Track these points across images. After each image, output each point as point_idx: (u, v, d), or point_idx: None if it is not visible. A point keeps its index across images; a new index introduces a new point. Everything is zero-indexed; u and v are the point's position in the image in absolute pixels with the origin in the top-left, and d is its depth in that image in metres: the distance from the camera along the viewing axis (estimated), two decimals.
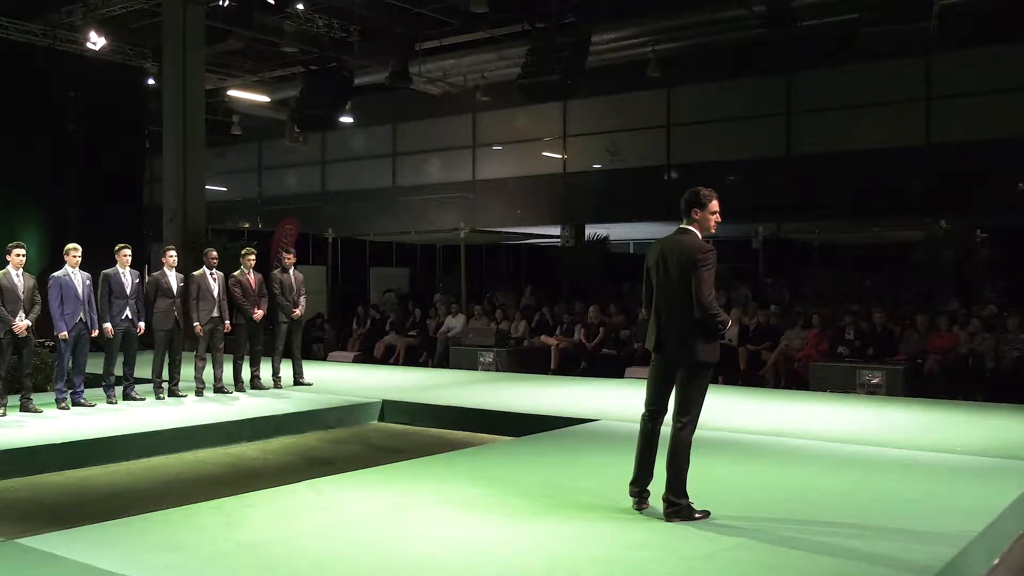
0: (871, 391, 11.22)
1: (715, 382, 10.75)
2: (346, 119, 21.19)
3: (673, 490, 5.12)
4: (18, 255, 8.92)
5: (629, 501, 5.39)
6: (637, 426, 5.43)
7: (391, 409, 10.06)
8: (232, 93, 21.38)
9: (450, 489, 5.94)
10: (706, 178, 18.36)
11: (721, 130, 19.46)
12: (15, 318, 8.78)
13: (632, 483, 5.38)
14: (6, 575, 4.24)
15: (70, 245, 9.38)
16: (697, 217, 5.27)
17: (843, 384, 11.50)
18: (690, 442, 5.14)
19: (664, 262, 5.20)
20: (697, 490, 5.22)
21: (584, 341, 14.49)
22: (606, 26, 16.37)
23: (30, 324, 8.92)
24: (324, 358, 16.23)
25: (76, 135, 17.28)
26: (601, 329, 14.46)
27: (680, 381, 5.16)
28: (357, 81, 18.98)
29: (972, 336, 12.00)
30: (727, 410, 9.13)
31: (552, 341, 14.79)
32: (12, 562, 4.42)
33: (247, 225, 23.36)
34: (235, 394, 10.58)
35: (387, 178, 24.64)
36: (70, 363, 9.38)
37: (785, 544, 4.70)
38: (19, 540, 4.79)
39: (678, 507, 5.11)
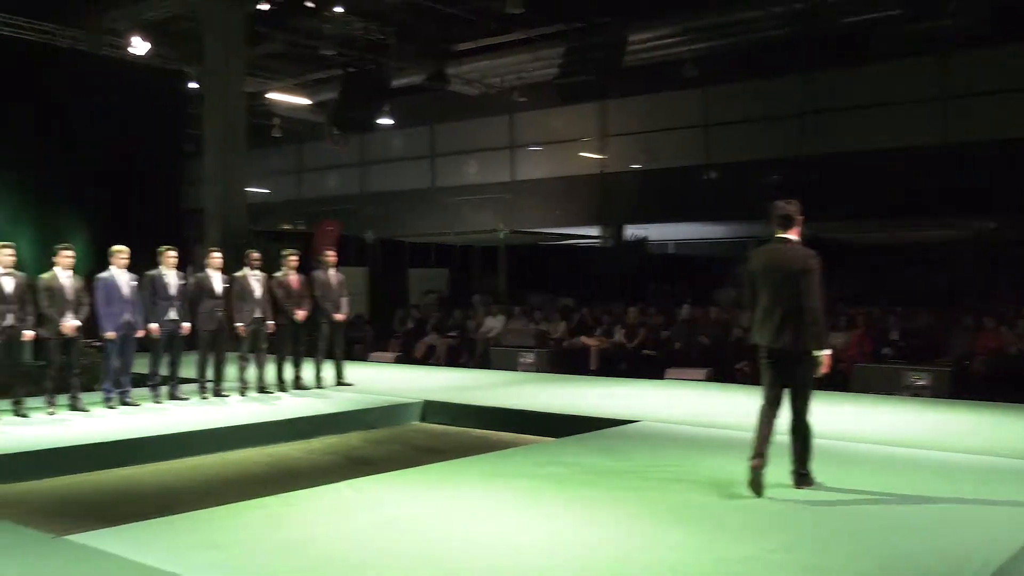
0: (916, 393, 11.06)
1: (751, 384, 10.69)
2: (384, 121, 21.31)
3: (803, 463, 5.80)
4: (67, 256, 9.10)
5: (672, 501, 5.38)
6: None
7: (432, 409, 10.10)
8: (272, 96, 21.59)
9: (491, 489, 5.95)
10: (744, 178, 18.34)
11: (759, 128, 19.32)
12: (64, 319, 8.94)
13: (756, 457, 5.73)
14: (56, 571, 4.32)
15: (118, 247, 9.54)
16: (798, 227, 5.88)
17: (887, 386, 11.34)
18: (810, 421, 5.80)
19: (779, 268, 5.80)
20: (741, 493, 5.18)
21: (624, 342, 14.44)
22: (642, 26, 16.31)
23: (79, 324, 9.08)
24: (365, 359, 16.32)
25: (118, 139, 17.53)
26: (641, 330, 14.41)
27: (794, 371, 5.76)
28: (395, 83, 19.09)
29: (1021, 337, 11.79)
30: None
31: (592, 342, 14.76)
32: (61, 558, 4.51)
33: (289, 226, 23.59)
34: (277, 394, 10.68)
35: (426, 179, 24.77)
36: (117, 363, 9.54)
37: (826, 547, 4.65)
38: (68, 537, 4.88)
39: (805, 474, 5.81)
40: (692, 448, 7.34)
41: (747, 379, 11.80)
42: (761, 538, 4.80)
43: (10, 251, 8.78)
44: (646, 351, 14.20)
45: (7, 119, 15.94)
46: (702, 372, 12.37)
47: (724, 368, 12.57)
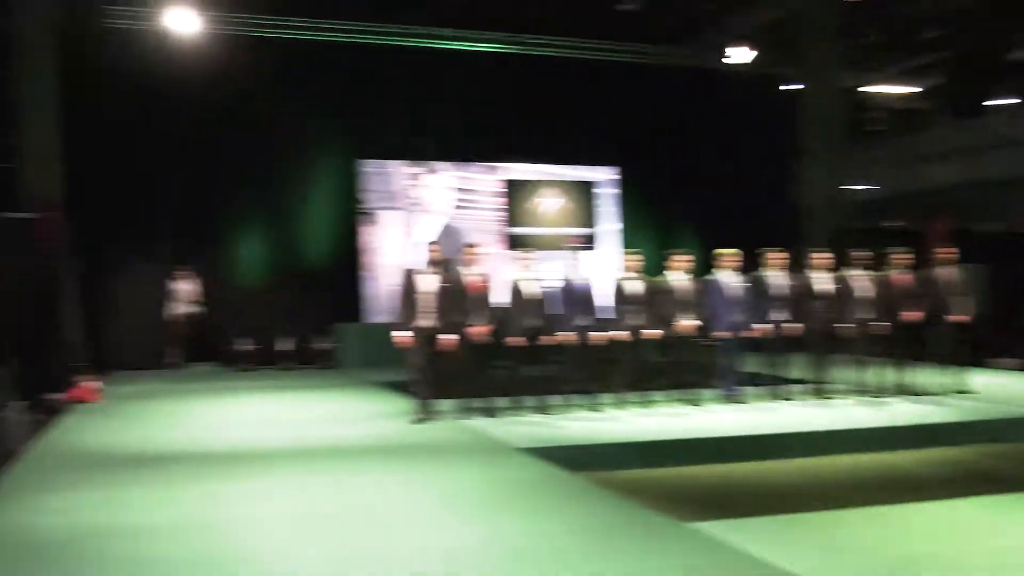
0: None
1: None
2: (1002, 100, 19.37)
3: None
4: (680, 261, 9.92)
5: None
6: None
7: None
8: (872, 87, 20.94)
9: None
10: None
11: None
12: (679, 319, 9.68)
13: None
14: (679, 555, 4.61)
15: (725, 250, 10.11)
16: None
17: None
18: None
19: None
20: None
21: None
22: None
23: (695, 324, 9.76)
24: (985, 364, 14.93)
25: (727, 146, 18.37)
26: None
27: None
28: (1012, 57, 17.21)
29: None
30: None
31: None
32: (684, 543, 4.82)
33: (897, 222, 22.61)
34: (889, 399, 10.27)
35: None
36: (728, 362, 10.04)
37: None
38: (688, 524, 5.23)
39: None
40: None
41: None
42: None
43: (638, 257, 9.87)
44: None
45: (638, 137, 17.71)
46: None
47: None
